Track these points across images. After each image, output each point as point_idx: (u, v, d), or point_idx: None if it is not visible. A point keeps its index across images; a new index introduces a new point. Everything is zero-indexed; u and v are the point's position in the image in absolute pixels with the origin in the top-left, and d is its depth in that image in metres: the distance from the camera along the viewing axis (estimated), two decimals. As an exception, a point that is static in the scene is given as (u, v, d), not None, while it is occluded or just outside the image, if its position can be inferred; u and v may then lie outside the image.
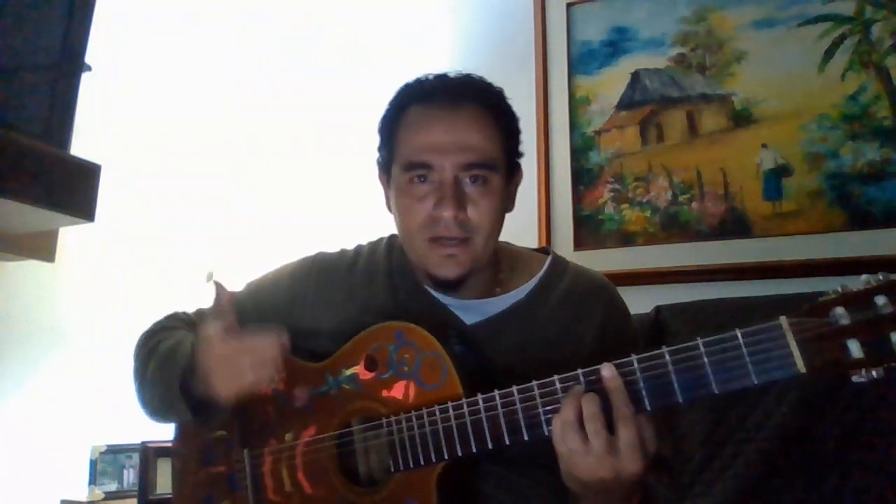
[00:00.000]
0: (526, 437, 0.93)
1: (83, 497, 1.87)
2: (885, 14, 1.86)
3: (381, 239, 1.29)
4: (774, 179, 1.92)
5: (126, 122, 2.12)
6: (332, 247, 1.31)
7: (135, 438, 1.88)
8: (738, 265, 1.90)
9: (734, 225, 1.94)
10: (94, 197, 1.57)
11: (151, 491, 1.81)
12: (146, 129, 2.17)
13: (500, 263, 1.20)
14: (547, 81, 2.22)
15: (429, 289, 1.17)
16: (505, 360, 1.10)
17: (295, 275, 1.26)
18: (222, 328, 1.05)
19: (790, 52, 1.94)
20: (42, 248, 1.72)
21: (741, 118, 1.98)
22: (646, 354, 0.88)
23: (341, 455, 1.09)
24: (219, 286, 1.10)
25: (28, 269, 1.84)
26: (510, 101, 1.17)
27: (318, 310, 1.20)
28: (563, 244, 2.11)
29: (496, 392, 0.95)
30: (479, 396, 0.96)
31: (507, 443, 0.94)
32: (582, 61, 2.21)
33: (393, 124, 1.15)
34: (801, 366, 0.79)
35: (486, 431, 0.95)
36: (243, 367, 1.02)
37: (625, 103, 2.13)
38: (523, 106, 2.12)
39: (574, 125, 2.18)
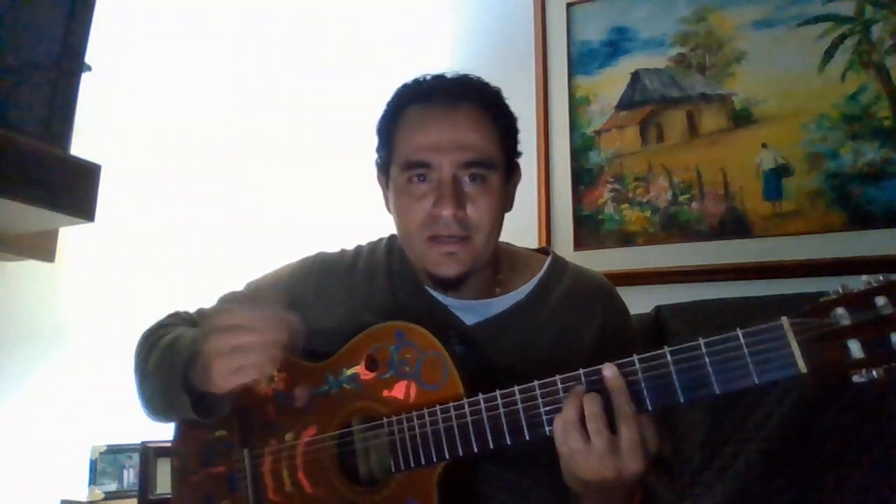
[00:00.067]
0: (527, 437, 0.93)
1: (83, 497, 1.87)
2: (885, 14, 1.86)
3: (380, 239, 1.29)
4: (774, 179, 1.92)
5: (126, 122, 2.12)
6: (332, 247, 1.31)
7: (135, 438, 1.88)
8: (738, 265, 1.90)
9: (734, 225, 1.94)
10: (94, 197, 1.57)
11: (151, 491, 1.81)
12: (146, 129, 2.17)
13: (499, 264, 1.20)
14: (547, 81, 2.22)
15: (429, 289, 1.18)
16: (505, 361, 1.10)
17: (295, 275, 1.27)
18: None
19: (790, 52, 1.94)
20: (42, 248, 1.72)
21: (741, 118, 1.98)
22: (647, 354, 0.88)
23: (342, 455, 1.09)
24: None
25: (28, 269, 1.84)
26: (510, 101, 1.17)
27: (319, 310, 1.20)
28: (563, 244, 2.11)
29: (497, 392, 0.96)
30: (481, 396, 0.96)
31: (509, 443, 0.94)
32: (582, 61, 2.21)
33: (391, 125, 1.15)
34: (802, 366, 0.79)
35: (488, 431, 0.95)
36: (241, 359, 0.98)
37: (625, 103, 2.13)
38: (523, 106, 2.14)
39: (574, 125, 2.18)
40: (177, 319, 1.28)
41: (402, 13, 2.45)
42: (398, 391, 1.05)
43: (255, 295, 1.27)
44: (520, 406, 0.94)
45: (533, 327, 1.14)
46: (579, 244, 2.11)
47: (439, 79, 1.14)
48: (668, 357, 0.86)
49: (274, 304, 1.05)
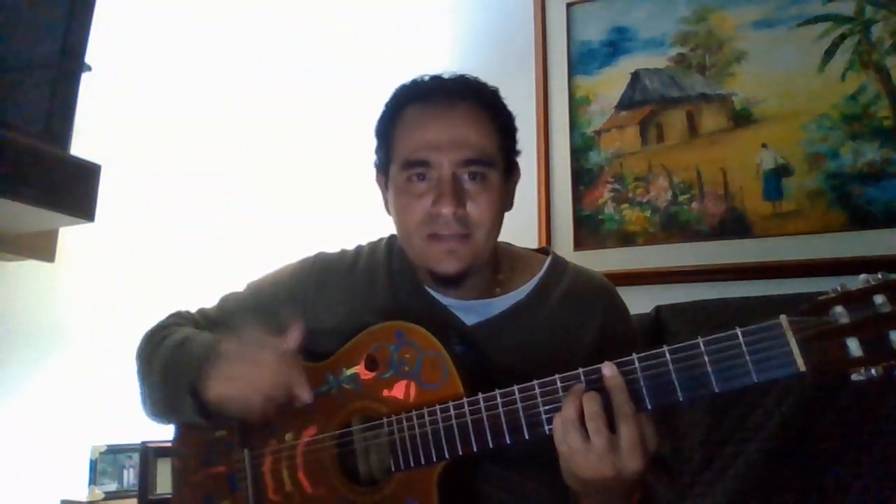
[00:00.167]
0: (527, 436, 0.93)
1: (83, 497, 1.87)
2: (885, 14, 1.86)
3: (381, 239, 1.29)
4: (774, 179, 1.92)
5: (126, 122, 2.12)
6: (333, 247, 1.31)
7: (135, 438, 1.88)
8: (738, 265, 1.90)
9: (734, 225, 1.94)
10: (94, 197, 1.57)
11: (151, 491, 1.81)
12: (146, 129, 2.17)
13: (499, 264, 1.21)
14: (547, 81, 2.22)
15: (429, 289, 1.18)
16: (505, 360, 1.10)
17: (295, 275, 1.27)
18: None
19: (790, 52, 1.94)
20: (42, 248, 1.72)
21: (741, 118, 1.98)
22: (646, 353, 0.88)
23: (342, 455, 1.09)
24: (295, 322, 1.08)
25: (28, 269, 1.84)
26: (510, 101, 1.18)
27: (319, 310, 1.21)
28: (563, 244, 2.11)
29: (497, 391, 0.96)
30: (480, 395, 0.97)
31: (508, 442, 0.94)
32: (582, 61, 2.21)
33: (390, 125, 1.16)
34: (800, 364, 0.79)
35: (487, 431, 0.96)
36: (259, 388, 1.01)
37: (625, 103, 2.13)
38: (523, 106, 2.16)
39: (574, 125, 2.18)
40: (178, 319, 1.28)
41: (401, 13, 2.46)
42: (398, 391, 1.05)
43: (256, 295, 1.27)
44: (519, 405, 0.94)
45: (533, 327, 1.14)
46: (579, 244, 2.11)
47: (437, 79, 1.15)
48: (668, 356, 0.86)
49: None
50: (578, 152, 2.17)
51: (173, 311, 1.31)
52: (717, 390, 0.84)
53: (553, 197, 2.16)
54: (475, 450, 0.96)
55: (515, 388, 0.94)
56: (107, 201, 1.63)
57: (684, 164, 2.03)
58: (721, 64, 2.03)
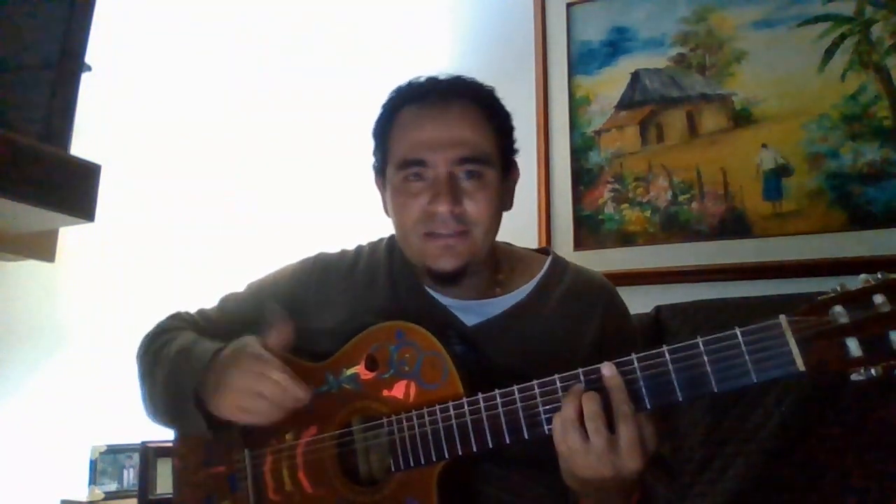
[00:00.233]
0: (526, 436, 0.93)
1: (83, 497, 1.87)
2: (885, 14, 1.86)
3: (381, 239, 1.29)
4: (774, 179, 1.92)
5: (126, 122, 2.12)
6: (333, 247, 1.31)
7: (135, 438, 1.88)
8: (738, 265, 1.90)
9: (734, 225, 1.94)
10: (94, 197, 1.57)
11: (151, 491, 1.81)
12: (146, 129, 2.17)
13: (499, 264, 1.21)
14: (547, 81, 2.22)
15: (429, 290, 1.18)
16: (505, 361, 1.10)
17: (296, 275, 1.27)
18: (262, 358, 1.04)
19: (790, 52, 1.94)
20: (42, 248, 1.72)
21: (741, 118, 1.98)
22: (646, 353, 0.88)
23: (342, 455, 1.09)
24: (281, 320, 1.10)
25: (28, 269, 1.84)
26: (510, 101, 1.18)
27: (319, 310, 1.21)
28: (563, 244, 2.11)
29: (497, 391, 0.96)
30: (480, 395, 0.97)
31: (508, 442, 0.94)
32: (582, 61, 2.21)
33: (386, 126, 1.16)
34: (800, 364, 0.79)
35: (487, 430, 0.96)
36: (258, 405, 1.02)
37: (625, 103, 2.13)
38: (523, 106, 2.17)
39: (574, 125, 2.18)
40: (178, 322, 1.28)
41: (401, 13, 2.46)
42: (398, 391, 1.05)
43: (256, 295, 1.27)
44: (519, 405, 0.94)
45: (533, 327, 1.14)
46: (579, 244, 2.11)
47: (433, 80, 1.15)
48: (667, 356, 0.86)
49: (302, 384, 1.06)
50: (578, 152, 2.17)
51: (173, 312, 1.31)
52: (716, 390, 0.84)
53: (553, 197, 2.16)
54: (475, 450, 0.96)
55: (515, 388, 0.94)
56: (107, 201, 1.63)
57: (684, 164, 2.03)
58: (721, 64, 2.03)
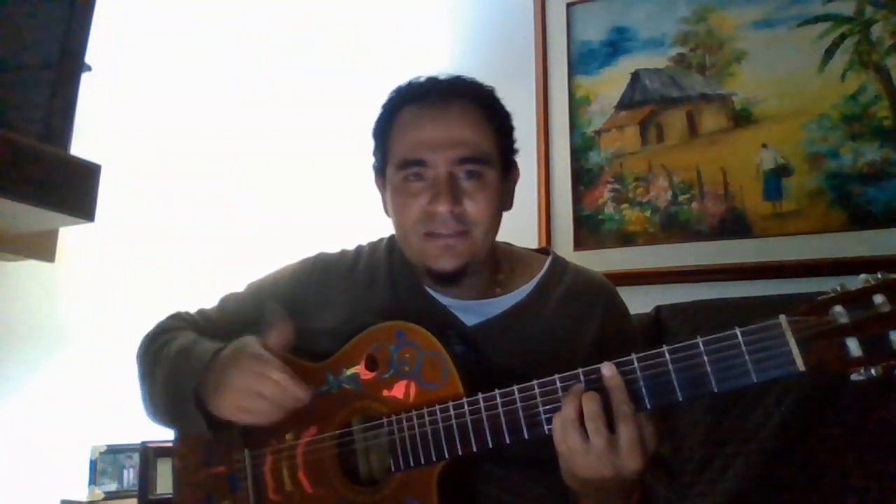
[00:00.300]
0: (526, 436, 0.93)
1: (83, 497, 1.87)
2: (885, 14, 1.86)
3: (381, 239, 1.29)
4: (774, 179, 1.92)
5: (126, 122, 2.12)
6: (333, 247, 1.31)
7: (135, 438, 1.88)
8: (738, 265, 1.90)
9: (734, 225, 1.94)
10: (94, 197, 1.57)
11: (151, 491, 1.81)
12: (146, 129, 2.17)
13: (500, 264, 1.21)
14: (547, 81, 2.23)
15: (429, 290, 1.18)
16: (505, 361, 1.10)
17: (296, 275, 1.27)
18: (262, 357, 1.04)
19: (790, 52, 1.94)
20: (42, 248, 1.72)
21: (741, 118, 1.98)
22: (646, 353, 0.88)
23: (342, 455, 1.09)
24: (281, 320, 1.10)
25: (28, 269, 1.84)
26: (510, 101, 1.18)
27: (319, 310, 1.21)
28: (563, 244, 2.11)
29: (497, 391, 0.96)
30: (480, 395, 0.97)
31: (508, 442, 0.94)
32: (582, 61, 2.21)
33: (386, 126, 1.16)
34: (800, 364, 0.79)
35: (487, 430, 0.96)
36: (258, 405, 1.02)
37: (625, 103, 2.13)
38: (523, 106, 2.17)
39: (574, 125, 2.18)
40: (178, 321, 1.28)
41: (402, 13, 2.46)
42: (398, 391, 1.05)
43: (256, 295, 1.27)
44: (519, 405, 0.94)
45: (533, 328, 1.14)
46: (579, 244, 2.11)
47: (432, 80, 1.15)
48: (667, 356, 0.86)
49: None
50: (578, 152, 2.17)
51: (173, 312, 1.31)
52: (716, 390, 0.84)
53: (553, 197, 2.16)
54: (475, 450, 0.96)
55: (515, 388, 0.94)
56: (107, 201, 1.63)
57: (684, 164, 2.03)
58: (721, 64, 2.03)
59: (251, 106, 2.36)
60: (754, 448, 1.55)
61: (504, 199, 1.17)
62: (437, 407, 0.99)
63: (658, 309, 1.77)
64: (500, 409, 0.95)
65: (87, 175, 1.56)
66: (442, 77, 1.15)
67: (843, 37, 1.90)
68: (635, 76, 2.13)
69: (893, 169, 1.81)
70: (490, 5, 2.37)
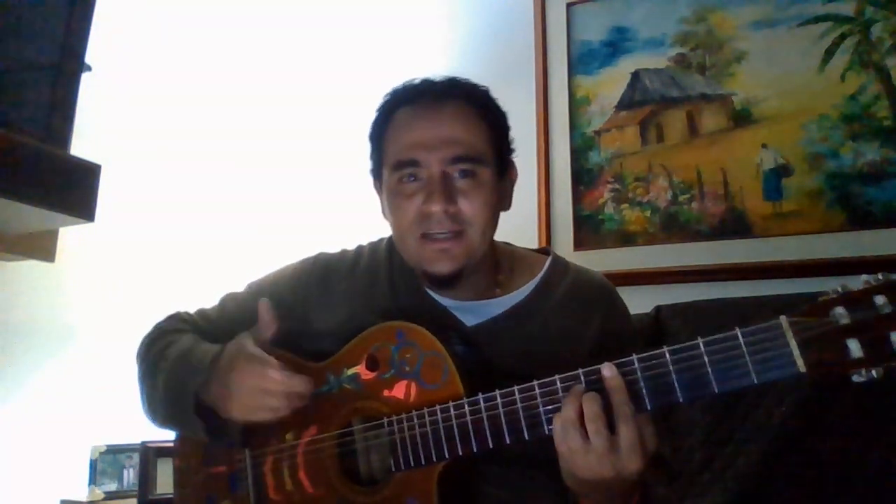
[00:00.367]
0: (527, 437, 0.93)
1: (83, 497, 1.87)
2: (885, 14, 1.86)
3: (381, 239, 1.29)
4: (774, 179, 1.92)
5: (126, 122, 2.12)
6: (333, 247, 1.31)
7: (135, 438, 1.88)
8: (738, 265, 1.90)
9: (734, 225, 1.94)
10: (94, 197, 1.57)
11: (151, 491, 1.81)
12: (146, 129, 2.17)
13: (500, 264, 1.20)
14: (547, 81, 2.23)
15: (429, 290, 1.18)
16: (505, 361, 1.10)
17: (296, 275, 1.27)
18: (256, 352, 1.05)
19: (790, 52, 1.94)
20: (42, 248, 1.72)
21: (741, 118, 1.98)
22: (646, 354, 0.88)
23: (342, 454, 1.09)
24: (266, 311, 1.11)
25: (28, 269, 1.84)
26: (510, 102, 1.18)
27: (320, 310, 1.21)
28: (563, 244, 2.11)
29: (497, 391, 0.96)
30: (480, 396, 0.97)
31: (508, 442, 0.95)
32: (582, 61, 2.21)
33: (381, 129, 1.16)
34: (801, 365, 0.79)
35: (487, 431, 0.96)
36: (267, 402, 1.03)
37: (625, 103, 2.13)
38: (523, 106, 2.17)
39: (574, 125, 2.18)
40: (177, 322, 1.28)
41: (401, 13, 2.46)
42: (398, 391, 1.05)
43: (256, 295, 1.27)
44: (519, 406, 0.94)
45: (533, 328, 1.14)
46: (579, 244, 2.11)
47: (427, 81, 1.15)
48: (668, 356, 0.86)
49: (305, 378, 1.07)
50: (578, 152, 2.17)
51: (172, 312, 1.31)
52: (717, 391, 0.84)
53: (553, 197, 2.16)
54: (475, 450, 0.96)
55: (515, 388, 0.94)
56: (107, 201, 1.63)
57: (684, 164, 2.03)
58: (721, 64, 2.03)
59: (251, 106, 2.36)
60: (754, 448, 1.55)
61: (501, 199, 1.16)
62: (438, 407, 0.99)
63: (658, 309, 1.77)
64: (501, 410, 0.95)
65: (87, 175, 1.55)
66: (436, 78, 1.15)
67: (843, 37, 1.90)
68: (635, 76, 2.13)
69: (893, 169, 1.81)
70: (490, 5, 2.37)
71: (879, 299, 0.76)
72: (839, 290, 0.79)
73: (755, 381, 0.81)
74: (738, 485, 1.54)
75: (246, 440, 1.17)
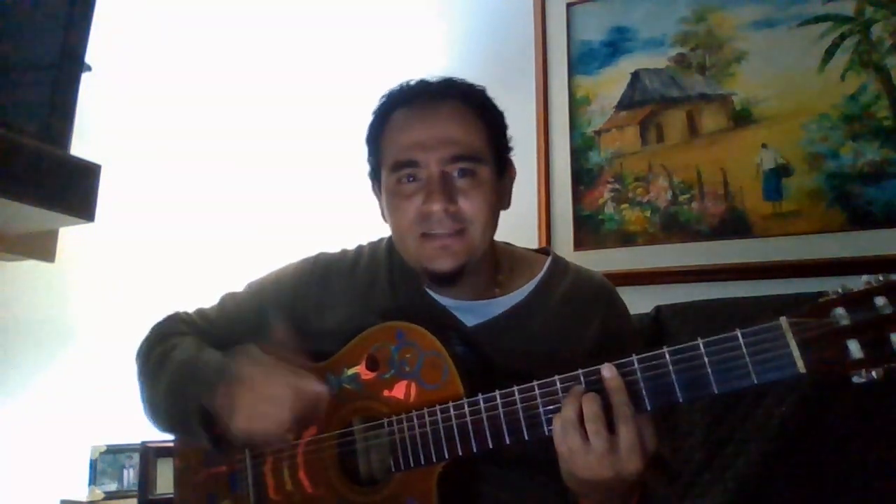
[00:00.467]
0: (526, 437, 0.93)
1: (83, 497, 1.87)
2: (885, 14, 1.86)
3: (381, 239, 1.29)
4: (774, 179, 1.92)
5: (126, 122, 2.12)
6: (333, 247, 1.31)
7: (135, 438, 1.88)
8: (738, 265, 1.90)
9: (734, 225, 1.94)
10: (94, 197, 1.57)
11: (151, 491, 1.81)
12: (146, 129, 2.17)
13: (499, 264, 1.20)
14: (547, 81, 2.22)
15: (429, 290, 1.18)
16: (506, 361, 1.10)
17: (296, 275, 1.26)
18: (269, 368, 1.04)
19: (790, 52, 1.94)
20: (42, 248, 1.72)
21: (741, 118, 1.98)
22: (646, 354, 0.88)
23: (342, 455, 1.09)
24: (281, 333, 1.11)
25: (28, 269, 1.84)
26: (510, 102, 1.19)
27: (320, 310, 1.21)
28: (563, 244, 2.11)
29: (497, 392, 0.96)
30: (480, 396, 0.97)
31: (508, 442, 0.95)
32: (582, 61, 2.21)
33: (378, 131, 1.16)
34: (801, 366, 0.79)
35: (487, 431, 0.96)
36: (276, 416, 1.01)
37: (625, 103, 2.13)
38: (523, 106, 2.17)
39: (574, 125, 2.18)
40: (177, 323, 1.28)
41: (401, 13, 2.45)
42: (398, 391, 1.05)
43: (256, 296, 1.27)
44: (519, 406, 0.94)
45: (533, 328, 1.14)
46: (579, 244, 2.11)
47: (423, 82, 1.15)
48: (667, 357, 0.86)
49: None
50: (578, 152, 2.17)
51: (171, 313, 1.31)
52: (716, 391, 0.84)
53: (553, 197, 2.16)
54: (475, 450, 0.96)
55: (515, 388, 0.94)
56: (107, 201, 1.63)
57: (684, 164, 2.03)
58: (721, 64, 2.03)
59: (251, 106, 2.36)
60: (754, 448, 1.55)
61: (501, 198, 1.16)
62: (438, 407, 0.99)
63: (658, 309, 1.77)
64: (501, 410, 0.95)
65: (87, 175, 1.56)
66: (432, 79, 1.15)
67: (843, 37, 1.90)
68: (635, 76, 2.13)
69: (893, 169, 1.81)
70: (490, 5, 2.37)
71: (880, 300, 0.76)
72: (839, 290, 0.79)
73: (755, 382, 0.81)
74: (738, 485, 1.54)
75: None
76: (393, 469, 1.03)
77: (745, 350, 0.82)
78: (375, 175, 1.19)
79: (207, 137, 2.27)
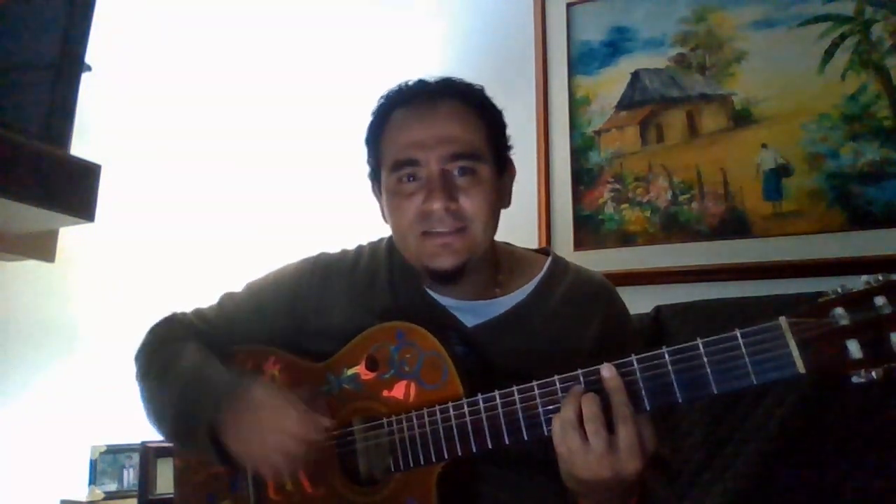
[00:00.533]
0: (526, 437, 0.93)
1: (83, 497, 1.87)
2: (885, 14, 1.86)
3: (381, 240, 1.29)
4: (774, 179, 1.92)
5: (126, 122, 2.12)
6: (333, 247, 1.31)
7: (135, 438, 1.88)
8: (738, 265, 1.90)
9: (734, 225, 1.94)
10: (94, 197, 1.57)
11: (151, 491, 1.81)
12: (146, 129, 2.17)
13: (500, 264, 1.20)
14: (547, 81, 2.23)
15: (429, 291, 1.18)
16: (505, 361, 1.10)
17: (296, 275, 1.26)
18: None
19: (790, 52, 1.94)
20: (42, 248, 1.72)
21: (741, 118, 1.98)
22: (646, 354, 0.88)
23: (342, 455, 1.09)
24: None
25: (28, 269, 1.84)
26: (510, 102, 1.19)
27: (320, 310, 1.21)
28: (563, 244, 2.11)
29: (496, 392, 0.96)
30: (480, 396, 0.97)
31: (507, 442, 0.95)
32: (582, 61, 2.21)
33: (377, 131, 1.16)
34: (800, 366, 0.79)
35: (486, 431, 0.96)
36: (282, 452, 1.02)
37: (625, 103, 2.13)
38: (523, 106, 2.17)
39: (574, 125, 2.18)
40: (179, 326, 1.27)
41: (401, 13, 2.46)
42: (398, 391, 1.05)
43: (256, 296, 1.27)
44: (518, 406, 0.94)
45: (533, 328, 1.14)
46: (579, 244, 2.11)
47: (422, 82, 1.15)
48: (667, 357, 0.86)
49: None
50: (578, 152, 2.17)
51: (168, 314, 1.30)
52: (716, 392, 0.84)
53: (553, 197, 2.16)
54: (474, 450, 0.96)
55: (514, 388, 0.94)
56: (107, 201, 1.63)
57: (684, 164, 2.03)
58: (721, 64, 2.03)
59: (250, 106, 2.36)
60: (754, 448, 1.55)
61: (501, 197, 1.16)
62: (437, 407, 0.99)
63: (658, 309, 1.77)
64: (500, 410, 0.95)
65: (87, 175, 1.56)
66: (431, 79, 1.15)
67: (843, 37, 1.90)
68: (635, 76, 2.13)
69: (893, 169, 1.81)
70: (490, 6, 2.37)
71: (879, 300, 0.76)
72: (839, 290, 0.79)
73: (754, 382, 0.82)
74: (737, 485, 1.54)
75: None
76: (392, 469, 1.03)
77: (744, 350, 0.82)
78: (375, 176, 1.19)
79: (207, 137, 2.27)
